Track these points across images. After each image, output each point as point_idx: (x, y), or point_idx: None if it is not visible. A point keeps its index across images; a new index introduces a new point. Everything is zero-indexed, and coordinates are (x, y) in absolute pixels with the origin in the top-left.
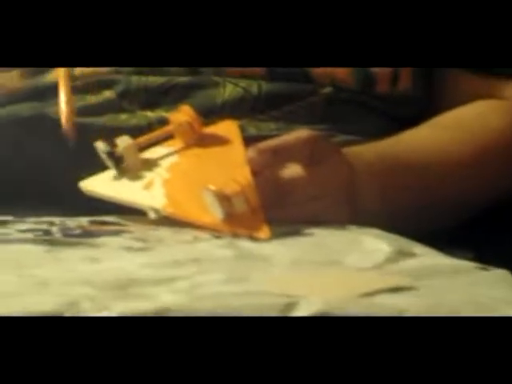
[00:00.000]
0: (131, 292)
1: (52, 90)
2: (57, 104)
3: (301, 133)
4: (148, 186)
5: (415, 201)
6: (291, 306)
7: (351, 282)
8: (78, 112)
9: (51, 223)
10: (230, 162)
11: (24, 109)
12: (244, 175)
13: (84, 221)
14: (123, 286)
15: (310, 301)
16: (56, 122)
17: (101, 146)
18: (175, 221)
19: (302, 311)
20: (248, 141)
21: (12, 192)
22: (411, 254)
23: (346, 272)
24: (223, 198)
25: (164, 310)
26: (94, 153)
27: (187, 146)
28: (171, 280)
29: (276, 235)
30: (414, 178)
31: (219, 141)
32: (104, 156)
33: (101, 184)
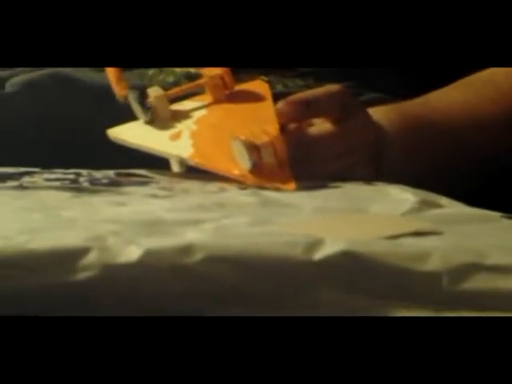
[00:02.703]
0: (157, 230)
1: None
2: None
3: (331, 87)
4: (176, 137)
5: (441, 161)
6: (316, 244)
7: (375, 225)
8: None
9: (78, 174)
10: (259, 118)
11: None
12: (273, 129)
13: (111, 173)
14: (149, 225)
15: (335, 240)
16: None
17: (132, 94)
18: (201, 175)
19: (327, 250)
20: (275, 97)
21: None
22: (437, 205)
23: (370, 217)
24: (252, 148)
25: (190, 246)
26: (122, 107)
27: (217, 101)
28: (197, 222)
29: (301, 188)
30: (441, 139)
31: (249, 97)
32: (135, 105)
33: (128, 132)
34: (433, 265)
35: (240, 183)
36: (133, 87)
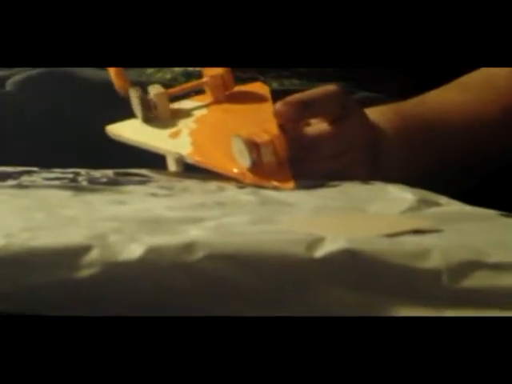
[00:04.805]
0: (159, 228)
1: None
2: None
3: (328, 87)
4: (175, 135)
5: (439, 160)
6: (317, 242)
7: (375, 224)
8: None
9: (77, 173)
10: (259, 118)
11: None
12: (274, 128)
13: (109, 172)
14: (150, 223)
15: (336, 238)
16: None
17: (133, 91)
18: (199, 174)
19: (328, 247)
20: (271, 95)
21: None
22: (436, 204)
23: (370, 216)
24: (252, 146)
25: (192, 244)
26: (121, 104)
27: (217, 101)
28: (198, 220)
29: (300, 187)
30: (439, 138)
31: (249, 98)
32: (136, 101)
33: (128, 129)
34: (433, 262)
35: (238, 182)
36: (132, 84)
